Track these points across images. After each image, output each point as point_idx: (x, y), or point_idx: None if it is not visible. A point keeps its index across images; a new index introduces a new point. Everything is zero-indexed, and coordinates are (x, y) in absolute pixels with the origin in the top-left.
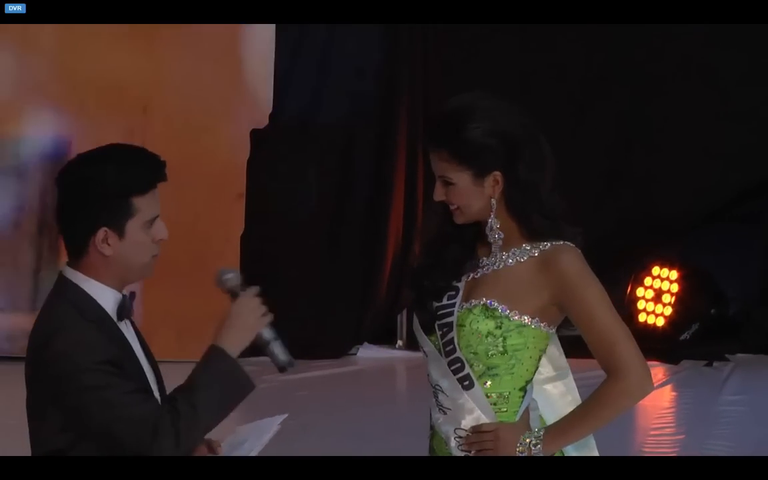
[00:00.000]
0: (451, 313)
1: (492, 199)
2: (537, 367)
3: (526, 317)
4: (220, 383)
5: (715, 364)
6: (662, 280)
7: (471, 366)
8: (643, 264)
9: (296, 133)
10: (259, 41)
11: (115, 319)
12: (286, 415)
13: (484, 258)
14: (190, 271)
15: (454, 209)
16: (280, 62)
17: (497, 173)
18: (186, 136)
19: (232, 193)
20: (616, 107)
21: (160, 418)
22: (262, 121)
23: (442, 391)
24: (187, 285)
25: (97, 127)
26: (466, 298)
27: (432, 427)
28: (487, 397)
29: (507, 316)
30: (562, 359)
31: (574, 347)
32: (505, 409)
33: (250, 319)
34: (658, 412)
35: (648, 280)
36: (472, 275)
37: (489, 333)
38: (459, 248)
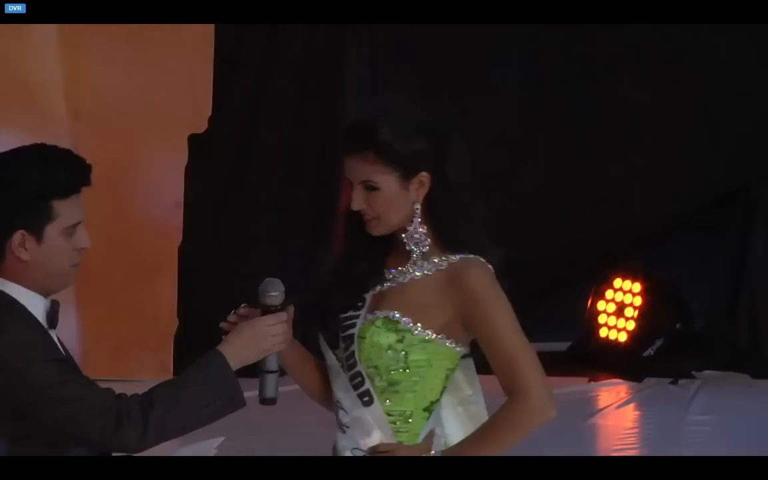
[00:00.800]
0: (353, 326)
1: (416, 204)
2: (444, 387)
3: (429, 332)
4: (211, 387)
5: (680, 381)
6: (625, 292)
7: (372, 381)
8: (605, 276)
9: (237, 137)
10: (197, 42)
11: (45, 326)
12: (222, 438)
13: (393, 270)
14: (124, 285)
15: (372, 219)
16: (220, 64)
17: (424, 174)
18: (120, 142)
19: (170, 202)
20: (577, 118)
21: (128, 407)
22: (201, 125)
23: (342, 408)
24: (122, 299)
25: (26, 134)
26: (371, 310)
27: (334, 446)
28: (388, 415)
29: (410, 330)
30: (475, 381)
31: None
32: (405, 430)
33: (264, 340)
34: (621, 433)
35: (610, 293)
36: (379, 288)
37: (390, 346)
38: (367, 265)
